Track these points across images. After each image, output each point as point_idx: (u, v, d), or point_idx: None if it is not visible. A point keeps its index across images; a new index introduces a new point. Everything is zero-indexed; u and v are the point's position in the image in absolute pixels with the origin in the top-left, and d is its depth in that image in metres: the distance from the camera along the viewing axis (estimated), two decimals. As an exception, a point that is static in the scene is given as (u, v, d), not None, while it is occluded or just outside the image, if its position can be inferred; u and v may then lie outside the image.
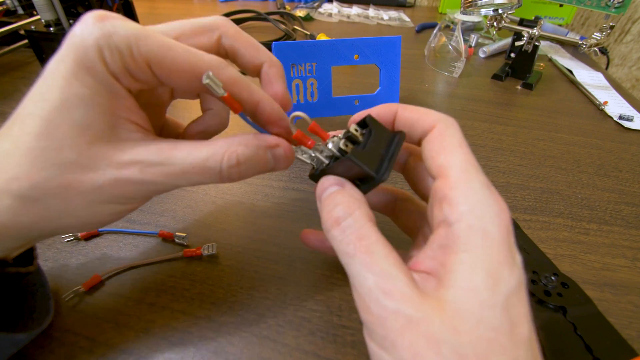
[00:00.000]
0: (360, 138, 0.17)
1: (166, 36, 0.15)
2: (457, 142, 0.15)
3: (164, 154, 0.16)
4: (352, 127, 0.17)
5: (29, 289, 0.20)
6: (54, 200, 0.15)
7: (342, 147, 0.16)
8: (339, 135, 0.17)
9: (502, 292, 0.12)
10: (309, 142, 0.18)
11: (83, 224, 0.16)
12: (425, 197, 0.19)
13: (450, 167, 0.14)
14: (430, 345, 0.12)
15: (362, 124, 0.17)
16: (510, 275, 0.13)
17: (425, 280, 0.14)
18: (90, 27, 0.14)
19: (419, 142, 0.17)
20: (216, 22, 0.18)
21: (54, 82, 0.14)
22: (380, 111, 0.18)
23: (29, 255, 0.20)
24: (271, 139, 0.17)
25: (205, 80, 0.15)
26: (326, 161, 0.17)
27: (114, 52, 0.14)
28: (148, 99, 0.19)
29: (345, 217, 0.15)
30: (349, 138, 0.17)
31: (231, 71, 0.16)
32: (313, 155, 0.18)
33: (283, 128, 0.18)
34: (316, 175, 0.18)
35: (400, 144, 0.17)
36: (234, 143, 0.16)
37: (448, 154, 0.15)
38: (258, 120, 0.18)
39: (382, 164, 0.16)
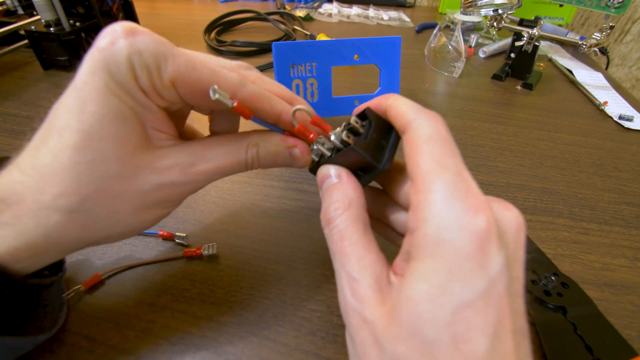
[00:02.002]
0: (361, 130, 0.17)
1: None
2: (424, 139, 0.14)
3: (199, 154, 0.17)
4: (353, 119, 0.17)
5: (45, 298, 0.19)
6: (103, 211, 0.15)
7: (345, 138, 0.17)
8: (340, 127, 0.18)
9: (447, 306, 0.11)
10: (311, 135, 0.19)
11: (129, 231, 0.17)
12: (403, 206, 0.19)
13: (417, 168, 0.14)
14: (376, 347, 0.13)
15: (362, 116, 0.18)
16: (464, 287, 0.12)
17: (396, 285, 0.14)
18: (121, 41, 0.14)
19: None
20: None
21: (90, 95, 0.15)
22: (375, 104, 0.17)
23: (57, 265, 0.19)
24: (290, 140, 0.19)
25: (214, 97, 0.15)
26: (328, 153, 0.18)
27: (143, 70, 0.15)
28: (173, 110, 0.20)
29: (335, 219, 0.16)
30: (350, 130, 0.17)
31: (252, 88, 0.17)
32: (315, 147, 0.18)
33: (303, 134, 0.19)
34: (317, 167, 0.18)
35: (399, 135, 0.17)
36: (256, 137, 0.18)
37: (415, 154, 0.14)
38: (281, 128, 0.19)
39: (383, 154, 0.16)
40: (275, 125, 0.19)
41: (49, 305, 0.19)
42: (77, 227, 0.15)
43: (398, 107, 0.16)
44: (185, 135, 0.22)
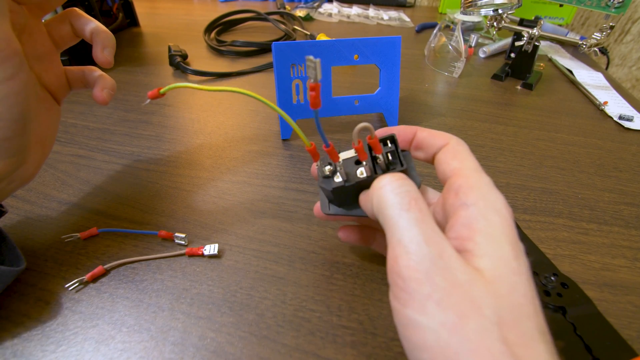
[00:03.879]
0: (390, 157, 0.18)
1: None
2: (467, 153, 0.18)
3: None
4: (385, 150, 0.18)
5: None
6: None
7: (390, 159, 0.18)
8: (380, 154, 0.18)
9: (523, 263, 0.14)
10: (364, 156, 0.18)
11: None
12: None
13: (463, 168, 0.17)
14: (475, 307, 0.12)
15: (383, 140, 0.19)
16: (523, 251, 0.14)
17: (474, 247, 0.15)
18: None
19: (432, 159, 0.19)
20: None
21: None
22: (401, 131, 0.20)
23: None
24: None
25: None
26: (369, 173, 0.18)
27: None
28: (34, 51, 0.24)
29: (404, 179, 0.16)
30: (389, 154, 0.18)
31: None
32: (364, 168, 0.18)
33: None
34: (348, 186, 0.18)
35: (412, 160, 0.20)
36: None
37: (462, 159, 0.17)
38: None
39: (413, 176, 0.19)
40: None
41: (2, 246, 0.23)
42: None
43: (429, 131, 0.19)
44: (78, 81, 0.28)
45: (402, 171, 0.17)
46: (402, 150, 0.20)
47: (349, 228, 0.23)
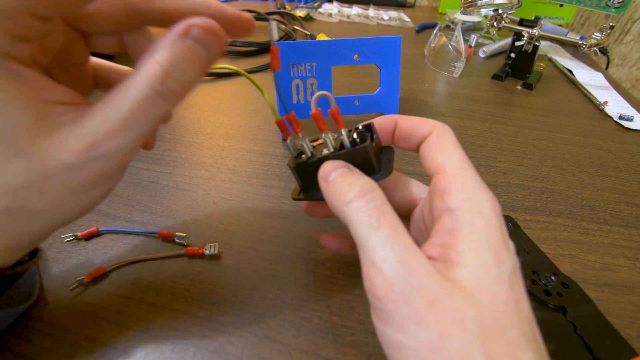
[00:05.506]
0: (357, 136, 0.17)
1: None
2: (452, 144, 0.17)
3: (100, 116, 0.14)
4: (360, 126, 0.18)
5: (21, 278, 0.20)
6: (38, 205, 0.14)
7: (355, 137, 0.17)
8: (345, 129, 0.18)
9: (506, 269, 0.13)
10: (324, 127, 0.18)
11: (79, 213, 0.16)
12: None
13: (447, 164, 0.16)
14: (456, 322, 0.12)
15: (364, 128, 0.18)
16: (509, 255, 0.14)
17: (434, 266, 0.14)
18: None
19: (417, 148, 0.18)
20: None
21: None
22: (381, 121, 0.19)
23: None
24: (179, 26, 0.14)
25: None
26: (332, 149, 0.17)
27: None
28: (61, 63, 0.17)
29: (370, 191, 0.15)
30: (359, 133, 0.18)
31: None
32: (300, 143, 0.18)
33: (231, 17, 0.16)
34: (309, 163, 0.18)
35: (393, 153, 0.19)
36: (151, 57, 0.14)
37: (446, 153, 0.16)
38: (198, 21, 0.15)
39: (381, 164, 0.17)
40: (189, 13, 0.15)
41: (21, 285, 0.20)
42: (22, 223, 0.14)
43: (410, 119, 0.18)
44: (107, 82, 0.20)
45: (363, 148, 0.16)
46: (385, 147, 0.19)
47: (331, 235, 0.22)
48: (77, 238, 0.26)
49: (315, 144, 0.19)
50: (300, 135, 0.18)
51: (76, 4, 0.14)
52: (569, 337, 0.20)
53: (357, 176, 0.16)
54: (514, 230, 0.27)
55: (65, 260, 0.24)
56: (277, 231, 0.27)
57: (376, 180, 0.17)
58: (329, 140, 0.18)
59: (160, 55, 0.14)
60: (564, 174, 0.34)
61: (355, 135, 0.17)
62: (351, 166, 0.17)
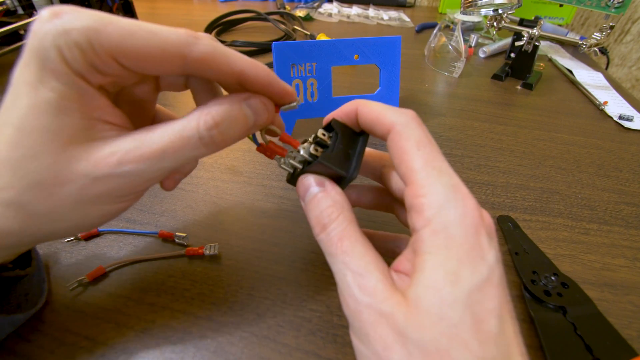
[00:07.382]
0: (328, 141, 0.17)
1: None
2: (415, 143, 0.15)
3: (139, 139, 0.15)
4: (320, 132, 0.18)
5: (26, 283, 0.20)
6: (41, 206, 0.15)
7: (313, 152, 0.17)
8: (310, 140, 0.18)
9: (464, 289, 0.13)
10: (284, 151, 0.19)
11: (74, 227, 0.16)
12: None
13: (412, 172, 0.15)
14: (398, 339, 0.13)
15: (329, 127, 0.18)
16: (473, 273, 0.13)
17: (402, 280, 0.15)
18: (46, 26, 0.13)
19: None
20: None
21: (21, 89, 0.14)
22: (341, 113, 0.18)
23: (27, 257, 0.20)
24: (243, 94, 0.17)
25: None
26: (300, 166, 0.18)
27: (74, 50, 0.13)
28: (129, 94, 0.18)
29: (330, 223, 0.16)
30: (319, 143, 0.18)
31: (204, 45, 0.15)
32: (288, 161, 0.18)
33: (278, 90, 0.18)
34: (292, 179, 0.19)
35: (365, 142, 0.18)
36: (207, 107, 0.16)
37: (408, 159, 0.15)
38: (249, 91, 0.17)
39: (350, 163, 0.17)
40: (239, 85, 0.17)
41: (29, 293, 0.20)
42: (18, 220, 0.15)
43: (370, 111, 0.17)
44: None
45: (318, 164, 0.17)
46: (361, 132, 0.18)
47: (363, 188, 0.22)
48: (77, 238, 0.26)
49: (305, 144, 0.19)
50: (287, 154, 0.19)
51: (156, 71, 0.15)
52: (569, 337, 0.20)
53: (325, 201, 0.17)
54: (514, 230, 0.27)
55: (65, 260, 0.24)
56: (277, 231, 0.27)
57: (347, 183, 0.17)
58: (292, 160, 0.18)
59: (216, 108, 0.15)
60: (564, 174, 0.34)
61: (312, 149, 0.17)
62: (323, 179, 0.17)
